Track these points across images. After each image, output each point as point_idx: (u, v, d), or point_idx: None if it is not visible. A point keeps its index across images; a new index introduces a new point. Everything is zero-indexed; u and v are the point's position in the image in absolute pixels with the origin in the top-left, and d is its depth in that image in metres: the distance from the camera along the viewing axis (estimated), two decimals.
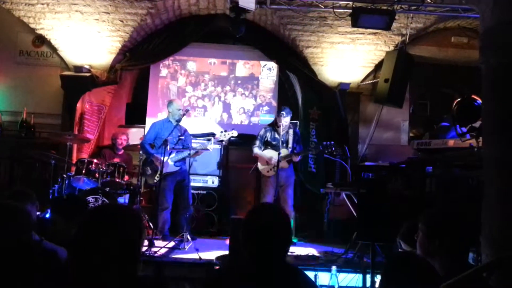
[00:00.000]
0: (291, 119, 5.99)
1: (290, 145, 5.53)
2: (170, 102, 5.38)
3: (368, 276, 3.67)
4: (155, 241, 4.65)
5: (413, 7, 5.88)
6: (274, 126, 5.63)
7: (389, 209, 3.34)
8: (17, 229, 2.08)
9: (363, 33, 6.42)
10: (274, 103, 7.28)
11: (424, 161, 4.27)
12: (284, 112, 5.43)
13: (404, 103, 6.48)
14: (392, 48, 6.50)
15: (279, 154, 5.18)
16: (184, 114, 5.23)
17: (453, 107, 3.93)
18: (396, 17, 5.71)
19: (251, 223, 1.84)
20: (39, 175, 5.89)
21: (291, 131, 5.57)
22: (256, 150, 5.57)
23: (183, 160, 5.24)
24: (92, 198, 5.03)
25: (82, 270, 1.51)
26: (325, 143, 5.42)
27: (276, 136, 5.50)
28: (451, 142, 4.13)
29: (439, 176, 4.00)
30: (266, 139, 5.59)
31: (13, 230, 2.06)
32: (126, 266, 1.53)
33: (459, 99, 3.94)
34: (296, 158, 5.53)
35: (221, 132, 5.41)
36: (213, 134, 6.53)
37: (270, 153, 5.48)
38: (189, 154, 5.15)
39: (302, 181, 6.36)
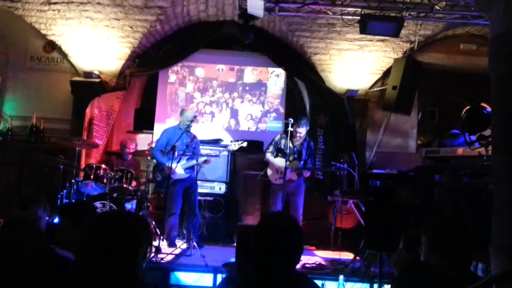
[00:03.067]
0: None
1: (302, 157, 5.45)
2: (182, 111, 5.41)
3: (375, 286, 3.63)
4: (161, 247, 4.65)
5: (422, 14, 5.86)
6: (289, 134, 5.56)
7: (397, 218, 3.31)
8: (33, 242, 2.10)
9: (372, 40, 6.41)
10: (282, 110, 7.29)
11: (432, 169, 4.23)
12: (301, 123, 5.39)
13: (412, 111, 6.44)
14: (400, 55, 6.48)
15: (286, 161, 5.15)
16: (192, 121, 5.25)
17: (462, 115, 3.90)
18: (405, 24, 5.69)
19: (263, 231, 1.82)
20: (48, 180, 5.93)
21: (305, 144, 5.49)
22: (269, 155, 5.54)
23: (192, 167, 5.25)
24: (100, 203, 5.03)
25: (87, 275, 1.52)
26: (339, 165, 5.37)
27: (290, 145, 5.45)
28: (460, 151, 4.09)
29: (447, 185, 3.97)
30: (280, 146, 5.54)
31: (27, 242, 2.07)
32: (130, 272, 1.54)
33: (468, 107, 3.91)
34: (306, 174, 5.47)
35: (231, 141, 5.41)
36: (220, 140, 6.56)
37: (281, 162, 5.43)
38: (197, 161, 5.15)
39: (309, 188, 6.33)
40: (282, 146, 5.51)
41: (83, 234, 1.58)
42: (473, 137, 3.85)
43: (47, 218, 2.84)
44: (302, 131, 5.40)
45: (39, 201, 2.80)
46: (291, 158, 5.42)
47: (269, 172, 5.54)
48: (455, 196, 3.85)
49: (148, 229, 1.68)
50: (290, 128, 5.32)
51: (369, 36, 6.16)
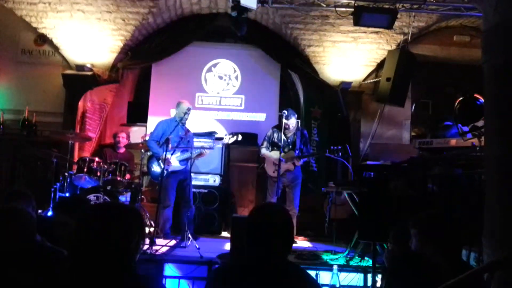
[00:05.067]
0: None
1: (296, 146, 5.45)
2: (178, 103, 5.38)
3: (369, 276, 3.67)
4: (156, 239, 4.65)
5: (415, 6, 5.86)
6: (280, 127, 5.57)
7: (390, 209, 3.33)
8: (22, 232, 2.09)
9: (365, 32, 6.41)
10: (276, 102, 7.28)
11: (426, 160, 4.25)
12: (288, 114, 5.37)
13: (406, 102, 6.47)
14: (394, 47, 6.49)
15: (280, 153, 5.17)
16: (186, 113, 5.24)
17: (455, 106, 3.92)
18: (398, 15, 5.69)
19: (253, 221, 1.85)
20: (41, 173, 5.90)
21: (298, 133, 5.49)
22: (264, 150, 5.58)
23: (187, 159, 5.24)
24: (94, 196, 5.02)
25: (80, 268, 1.52)
26: (332, 147, 5.38)
27: (283, 137, 5.47)
28: (453, 142, 4.11)
29: (441, 176, 3.99)
30: (273, 139, 5.56)
31: (17, 233, 2.07)
32: (124, 264, 1.54)
33: (461, 98, 3.92)
34: (298, 162, 5.46)
35: (225, 134, 5.42)
36: (214, 133, 6.54)
37: (276, 154, 5.45)
38: (191, 155, 5.15)
39: (304, 180, 6.35)
40: (275, 140, 5.53)
41: (75, 227, 1.57)
42: (466, 128, 3.87)
43: (39, 211, 2.82)
44: (291, 121, 5.39)
45: (24, 197, 2.75)
46: (285, 149, 5.45)
47: (266, 166, 5.57)
48: (448, 186, 3.88)
49: (141, 221, 1.68)
50: (284, 120, 5.33)
51: (362, 28, 6.16)
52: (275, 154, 5.46)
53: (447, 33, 6.83)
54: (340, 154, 5.33)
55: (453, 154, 3.99)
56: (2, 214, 2.14)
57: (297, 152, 5.46)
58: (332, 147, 5.38)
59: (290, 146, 5.45)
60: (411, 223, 2.17)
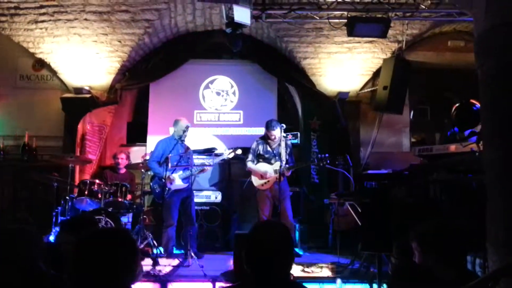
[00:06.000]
0: (291, 131, 5.95)
1: (283, 158, 5.32)
2: (176, 121, 5.40)
3: (375, 286, 3.62)
4: (159, 259, 4.62)
5: (408, 14, 5.91)
6: (265, 138, 5.54)
7: (392, 219, 3.31)
8: (27, 255, 2.07)
9: (360, 42, 6.45)
10: (274, 115, 7.28)
11: (426, 167, 4.23)
12: (272, 125, 5.34)
13: (404, 109, 6.48)
14: (389, 55, 6.52)
15: (280, 166, 5.12)
16: (185, 131, 5.26)
17: (452, 113, 3.92)
18: (392, 24, 5.73)
19: (253, 240, 1.84)
20: (42, 197, 5.89)
21: (283, 144, 5.33)
22: (250, 164, 5.50)
23: (188, 177, 5.24)
24: (96, 219, 5.00)
25: None
26: (320, 155, 5.36)
27: (268, 149, 5.46)
28: (452, 147, 4.10)
29: (441, 182, 3.97)
30: (258, 152, 5.51)
31: (21, 256, 2.05)
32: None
33: (457, 104, 3.93)
34: (287, 173, 5.37)
35: (225, 149, 5.42)
36: (214, 149, 6.54)
37: (264, 167, 5.42)
38: (191, 172, 5.14)
39: (306, 192, 6.33)
40: (261, 152, 5.50)
41: (71, 255, 1.59)
42: (467, 132, 3.85)
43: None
44: (276, 133, 5.34)
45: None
46: (272, 161, 5.39)
47: (253, 179, 5.49)
48: (450, 193, 3.85)
49: (134, 245, 1.68)
50: (269, 131, 5.32)
51: (357, 38, 6.20)
52: (261, 167, 5.42)
53: (441, 39, 6.87)
54: (328, 162, 5.25)
55: (453, 160, 3.97)
56: (6, 234, 2.12)
57: (283, 163, 5.25)
58: (320, 155, 5.34)
59: (277, 158, 5.36)
60: (410, 237, 2.15)
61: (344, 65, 6.64)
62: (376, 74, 6.61)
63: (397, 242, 2.59)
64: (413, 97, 7.01)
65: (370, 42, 6.47)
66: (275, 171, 5.23)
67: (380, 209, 3.43)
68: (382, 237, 3.27)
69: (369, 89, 6.73)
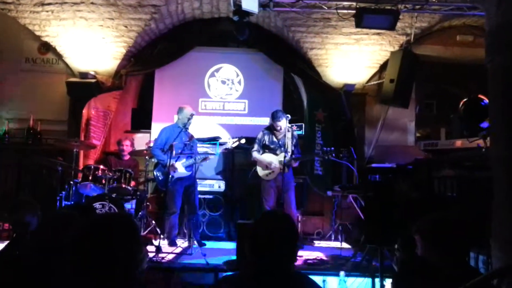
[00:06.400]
0: (296, 122, 5.92)
1: (289, 149, 5.33)
2: (180, 109, 5.37)
3: (377, 280, 3.63)
4: (162, 246, 4.65)
5: (417, 6, 5.83)
6: (271, 129, 5.53)
7: (396, 213, 3.30)
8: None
9: (368, 34, 6.38)
10: (279, 106, 7.25)
11: (431, 162, 4.22)
12: (278, 115, 5.33)
13: (410, 103, 6.44)
14: (397, 48, 6.46)
15: (284, 157, 5.11)
16: (190, 118, 5.25)
17: (460, 108, 3.89)
18: (400, 16, 5.67)
19: (256, 231, 1.82)
20: (46, 182, 5.91)
21: (289, 135, 5.34)
22: (255, 154, 5.49)
23: (192, 165, 5.24)
24: (99, 204, 5.03)
25: (79, 282, 1.53)
26: (325, 148, 5.35)
27: (274, 139, 5.44)
28: (458, 143, 4.09)
29: (446, 177, 3.96)
30: (264, 142, 5.50)
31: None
32: (122, 276, 1.54)
33: (465, 99, 3.89)
34: (295, 164, 5.38)
35: (229, 138, 5.41)
36: (218, 138, 6.54)
37: (269, 157, 5.41)
38: (195, 160, 5.14)
39: (309, 184, 6.33)
40: (266, 142, 5.48)
41: (68, 246, 1.58)
42: (485, 124, 3.73)
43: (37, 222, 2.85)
44: (282, 123, 5.32)
45: (27, 206, 2.88)
46: (277, 152, 5.38)
47: (258, 170, 5.49)
48: (454, 188, 3.84)
49: (135, 231, 1.67)
50: (275, 122, 5.31)
51: (365, 30, 6.14)
52: (267, 157, 5.42)
53: (450, 33, 6.79)
54: (334, 156, 5.24)
55: (459, 156, 3.96)
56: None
57: (288, 155, 5.27)
58: (325, 148, 5.33)
59: (282, 148, 5.35)
60: (413, 229, 2.14)
61: (351, 57, 6.59)
62: (383, 67, 6.55)
63: (401, 236, 2.58)
64: (420, 91, 6.96)
65: (378, 34, 6.41)
66: (280, 162, 5.22)
67: (384, 203, 3.42)
68: (385, 231, 3.27)
69: (375, 82, 6.68)
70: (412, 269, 2.04)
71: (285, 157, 5.14)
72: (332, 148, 5.24)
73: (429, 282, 1.94)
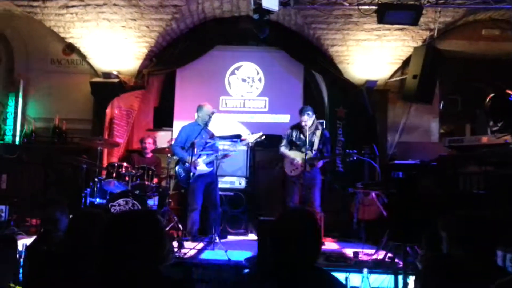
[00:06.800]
0: (316, 119, 5.89)
1: (315, 147, 5.33)
2: (200, 107, 5.42)
3: (400, 278, 3.58)
4: (184, 242, 4.70)
5: (441, 1, 5.73)
6: (299, 126, 5.53)
7: (420, 210, 3.25)
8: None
9: (390, 29, 6.30)
10: (300, 103, 7.23)
11: (456, 159, 4.13)
12: (303, 111, 5.33)
13: (434, 99, 6.32)
14: (420, 43, 6.35)
15: (305, 155, 5.10)
16: (211, 116, 5.29)
17: (486, 103, 3.79)
18: (424, 11, 5.57)
19: (278, 229, 1.81)
20: (72, 179, 6.05)
21: (318, 132, 5.34)
22: (282, 149, 5.52)
23: (213, 162, 5.27)
24: (123, 201, 5.12)
25: (105, 275, 1.58)
26: (348, 151, 5.30)
27: (301, 136, 5.43)
28: (485, 139, 3.99)
29: (473, 175, 3.87)
30: (291, 138, 5.51)
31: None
32: (147, 269, 1.58)
33: (492, 95, 3.79)
34: (318, 163, 5.33)
35: (248, 134, 5.42)
36: (239, 136, 6.55)
37: (294, 154, 5.41)
38: (216, 156, 5.18)
39: (330, 180, 6.29)
40: (293, 139, 5.48)
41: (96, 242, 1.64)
42: None
43: (66, 220, 2.94)
44: (306, 119, 5.31)
45: (57, 204, 3.01)
46: (303, 149, 5.34)
47: (285, 165, 5.52)
48: (481, 185, 3.75)
49: (160, 226, 1.70)
50: (300, 117, 5.31)
51: (387, 26, 6.06)
52: (293, 154, 5.42)
53: (475, 27, 6.62)
54: (366, 154, 5.23)
55: (485, 152, 3.86)
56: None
57: (314, 153, 5.31)
58: (348, 151, 5.28)
59: (308, 146, 5.32)
60: (440, 226, 2.11)
61: (372, 53, 6.51)
62: (406, 63, 6.45)
63: (425, 234, 2.54)
64: (443, 87, 6.82)
65: (401, 29, 6.31)
66: (303, 159, 5.21)
67: (408, 200, 3.37)
68: (409, 228, 3.21)
69: (398, 78, 6.59)
70: (437, 266, 2.00)
71: (306, 154, 5.13)
72: (355, 151, 5.19)
73: (455, 280, 1.91)
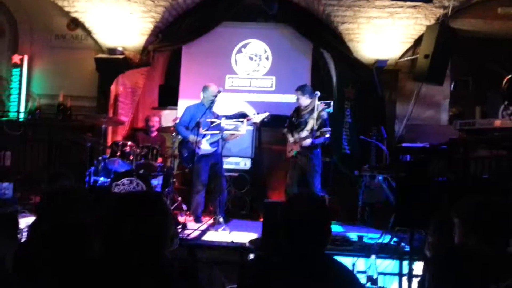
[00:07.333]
0: (324, 99, 5.77)
1: (308, 127, 5.17)
2: (205, 87, 5.32)
3: (405, 263, 3.54)
4: (188, 223, 4.68)
5: None
6: (299, 106, 5.42)
7: (429, 194, 3.17)
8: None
9: (402, 7, 6.09)
10: (308, 82, 7.09)
11: (467, 142, 4.02)
12: (297, 91, 5.26)
13: (445, 80, 6.14)
14: (433, 21, 6.14)
15: (292, 136, 5.13)
16: (216, 96, 5.19)
17: (503, 85, 3.65)
18: None
19: (288, 215, 1.78)
20: (76, 157, 6.03)
21: (315, 114, 5.12)
22: (285, 131, 5.49)
23: (217, 142, 5.20)
24: (127, 180, 5.09)
25: (109, 256, 1.56)
26: (325, 129, 5.09)
27: (299, 117, 5.36)
28: (497, 122, 3.86)
29: (484, 158, 3.77)
30: (291, 119, 5.46)
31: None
32: (151, 250, 1.57)
33: (510, 76, 3.65)
34: (306, 143, 5.13)
35: (254, 114, 5.33)
36: (245, 115, 6.46)
37: (290, 135, 5.40)
38: (222, 137, 5.10)
39: (336, 163, 6.21)
40: (293, 119, 5.43)
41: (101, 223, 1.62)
42: None
43: None
44: (301, 100, 5.24)
45: (65, 177, 3.02)
46: (298, 129, 5.29)
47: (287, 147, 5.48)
48: (493, 170, 3.66)
49: (164, 208, 1.68)
50: (313, 101, 5.17)
51: (399, 3, 5.89)
52: (289, 135, 5.39)
53: (491, 5, 6.37)
54: (374, 136, 5.13)
55: (498, 136, 3.75)
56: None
57: (306, 133, 5.15)
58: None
59: (302, 126, 5.23)
60: (454, 212, 2.01)
61: (384, 31, 6.32)
62: (418, 42, 6.25)
63: (434, 219, 2.47)
64: (456, 68, 6.64)
65: (414, 7, 6.10)
66: (295, 139, 5.16)
67: (417, 184, 3.29)
68: (418, 213, 3.15)
69: (409, 58, 6.41)
70: (448, 254, 1.93)
71: (293, 135, 5.10)
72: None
73: (466, 268, 1.84)
